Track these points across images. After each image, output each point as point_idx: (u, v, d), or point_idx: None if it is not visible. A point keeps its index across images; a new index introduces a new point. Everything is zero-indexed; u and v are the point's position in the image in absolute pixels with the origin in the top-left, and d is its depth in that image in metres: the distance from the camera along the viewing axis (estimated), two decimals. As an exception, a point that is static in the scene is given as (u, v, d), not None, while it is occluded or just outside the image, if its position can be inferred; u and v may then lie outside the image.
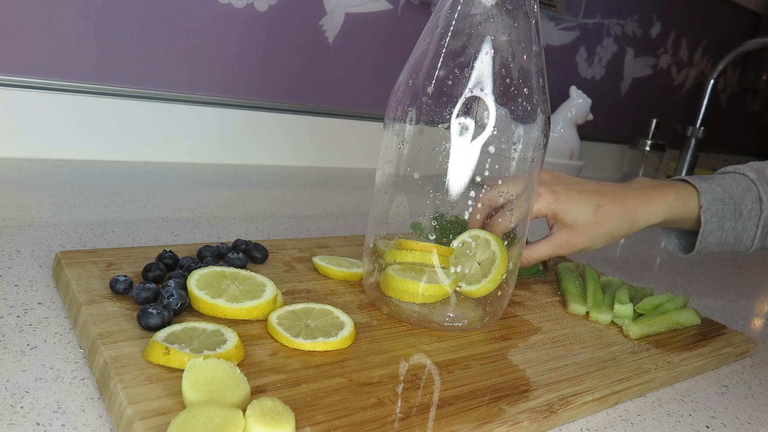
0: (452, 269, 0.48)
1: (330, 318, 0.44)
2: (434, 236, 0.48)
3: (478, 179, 0.45)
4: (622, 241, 0.97)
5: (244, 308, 0.42)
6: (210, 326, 0.39)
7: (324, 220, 0.77)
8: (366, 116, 1.14)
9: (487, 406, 0.37)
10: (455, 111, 0.43)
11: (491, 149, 0.44)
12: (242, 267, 0.51)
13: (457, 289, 0.48)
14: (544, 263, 0.69)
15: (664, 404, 0.45)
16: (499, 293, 0.49)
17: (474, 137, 0.43)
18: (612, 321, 0.54)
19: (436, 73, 0.44)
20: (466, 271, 0.49)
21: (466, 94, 0.43)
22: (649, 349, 0.50)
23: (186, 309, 0.43)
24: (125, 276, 0.43)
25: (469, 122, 0.43)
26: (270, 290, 0.45)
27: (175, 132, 0.93)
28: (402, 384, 0.38)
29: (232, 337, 0.38)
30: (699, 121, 1.59)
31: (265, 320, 0.43)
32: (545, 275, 0.64)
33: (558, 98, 1.25)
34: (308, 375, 0.37)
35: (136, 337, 0.38)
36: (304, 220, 0.76)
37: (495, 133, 0.43)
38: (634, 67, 1.65)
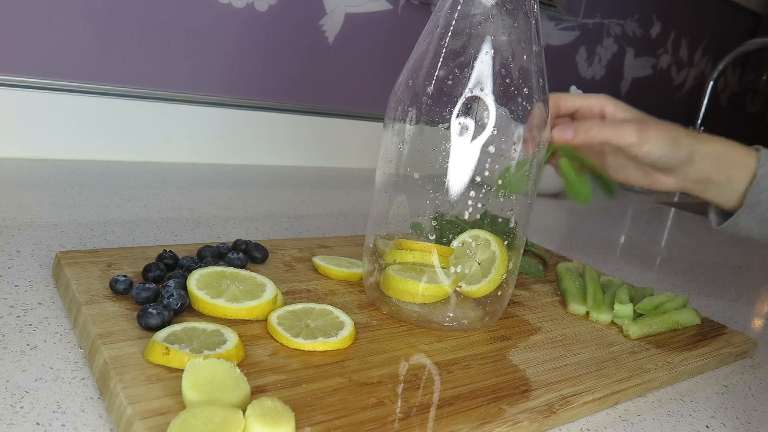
0: (452, 269, 0.48)
1: (330, 318, 0.44)
2: (434, 236, 0.48)
3: (478, 179, 0.45)
4: (623, 240, 0.97)
5: (244, 308, 0.42)
6: (210, 326, 0.39)
7: (324, 220, 0.77)
8: (366, 116, 1.14)
9: (487, 406, 0.37)
10: (455, 111, 0.43)
11: (491, 149, 0.44)
12: (242, 267, 0.51)
13: (457, 289, 0.48)
14: (544, 263, 0.69)
15: (664, 404, 0.45)
16: (499, 293, 0.49)
17: (474, 137, 0.43)
18: (612, 321, 0.54)
19: (436, 73, 0.44)
20: (466, 271, 0.49)
21: (466, 94, 0.43)
22: (649, 349, 0.50)
23: (186, 309, 0.43)
24: (125, 276, 0.43)
25: (469, 122, 0.43)
26: (270, 290, 0.45)
27: (175, 132, 0.93)
28: (402, 384, 0.38)
29: (232, 337, 0.38)
30: (699, 121, 1.59)
31: (265, 320, 0.43)
32: (545, 275, 0.64)
33: (558, 98, 1.24)
34: (308, 375, 0.37)
35: (136, 337, 0.38)
36: (304, 220, 0.76)
37: (495, 133, 0.43)
38: (634, 67, 1.65)
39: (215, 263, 0.50)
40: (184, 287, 0.44)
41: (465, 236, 0.49)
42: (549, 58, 1.43)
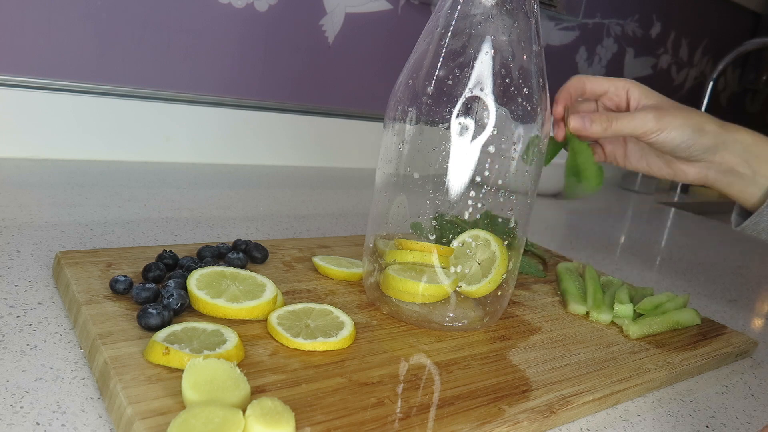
0: (452, 269, 0.48)
1: (330, 318, 0.44)
2: (434, 236, 0.48)
3: (478, 179, 0.45)
4: (623, 240, 0.97)
5: (244, 308, 0.42)
6: (210, 326, 0.39)
7: (324, 220, 0.77)
8: (366, 116, 1.14)
9: (487, 406, 0.37)
10: (455, 111, 0.43)
11: (491, 149, 0.44)
12: (242, 267, 0.51)
13: (457, 289, 0.48)
14: (544, 263, 0.69)
15: (664, 404, 0.45)
16: (499, 293, 0.49)
17: (474, 137, 0.43)
18: (612, 321, 0.54)
19: (436, 73, 0.44)
20: (466, 271, 0.49)
21: (466, 94, 0.43)
22: (649, 349, 0.50)
23: (186, 309, 0.43)
24: (125, 276, 0.43)
25: (469, 122, 0.43)
26: (270, 290, 0.45)
27: (175, 132, 0.93)
28: (402, 384, 0.38)
29: (232, 337, 0.38)
30: (699, 121, 1.59)
31: (265, 320, 0.43)
32: (545, 275, 0.64)
33: (558, 98, 1.24)
34: (308, 375, 0.37)
35: (136, 337, 0.38)
36: (304, 220, 0.76)
37: (495, 133, 0.43)
38: (634, 67, 1.65)
39: (215, 263, 0.50)
40: (184, 287, 0.44)
41: (465, 236, 0.49)
42: (549, 58, 1.43)
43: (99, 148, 0.87)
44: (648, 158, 0.59)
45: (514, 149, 0.45)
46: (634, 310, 0.55)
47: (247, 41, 0.98)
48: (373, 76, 1.14)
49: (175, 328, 0.38)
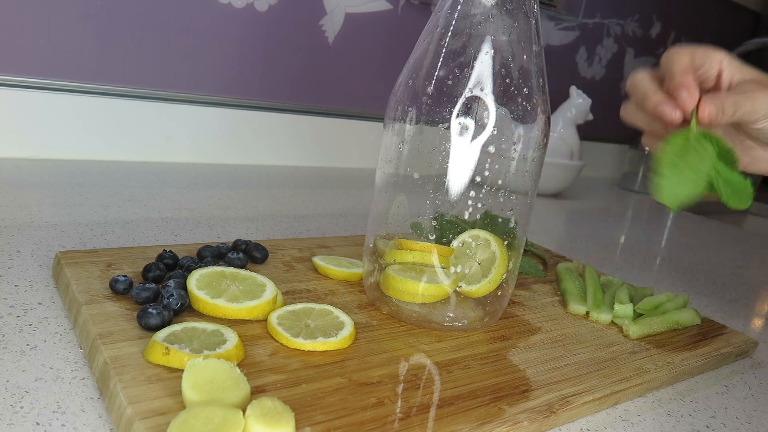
0: (452, 269, 0.48)
1: (330, 318, 0.44)
2: (434, 236, 0.48)
3: (478, 179, 0.45)
4: (623, 240, 0.97)
5: (244, 308, 0.42)
6: (210, 326, 0.39)
7: (324, 220, 0.77)
8: (366, 116, 1.14)
9: (487, 406, 0.37)
10: (455, 111, 0.43)
11: (491, 149, 0.44)
12: (242, 267, 0.51)
13: (457, 289, 0.48)
14: (544, 263, 0.69)
15: (664, 404, 0.45)
16: (499, 293, 0.49)
17: (474, 137, 0.43)
18: (612, 321, 0.54)
19: (436, 73, 0.44)
20: (466, 271, 0.49)
21: (466, 94, 0.43)
22: (649, 349, 0.50)
23: (186, 309, 0.43)
24: (125, 276, 0.43)
25: (469, 122, 0.43)
26: (270, 290, 0.45)
27: (175, 132, 0.93)
28: (402, 384, 0.38)
29: (232, 337, 0.38)
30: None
31: (265, 320, 0.43)
32: (545, 275, 0.64)
33: (558, 98, 1.25)
34: (308, 375, 0.37)
35: (136, 337, 0.38)
36: (304, 220, 0.76)
37: (495, 133, 0.43)
38: (634, 67, 1.65)
39: (215, 263, 0.50)
40: (184, 287, 0.44)
41: (465, 236, 0.49)
42: (549, 58, 1.43)
43: (99, 148, 0.87)
44: (753, 153, 0.50)
45: (514, 149, 0.45)
46: (634, 310, 0.55)
47: (247, 41, 0.98)
48: (373, 76, 1.14)
49: (175, 328, 0.38)
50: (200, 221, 0.68)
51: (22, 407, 0.32)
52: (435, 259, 0.47)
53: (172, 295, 0.41)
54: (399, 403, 0.36)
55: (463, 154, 0.44)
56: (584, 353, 0.47)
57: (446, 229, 0.49)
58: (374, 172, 0.51)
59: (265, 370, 0.37)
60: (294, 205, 0.82)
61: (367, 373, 0.39)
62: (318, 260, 0.54)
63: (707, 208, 1.53)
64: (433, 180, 0.45)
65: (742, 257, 0.97)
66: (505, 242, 0.48)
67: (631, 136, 1.57)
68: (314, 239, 0.63)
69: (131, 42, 0.88)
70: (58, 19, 0.81)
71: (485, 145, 0.43)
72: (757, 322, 0.67)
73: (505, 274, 0.48)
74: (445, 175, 0.44)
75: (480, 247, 0.49)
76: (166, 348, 0.35)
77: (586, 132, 1.37)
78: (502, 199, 0.49)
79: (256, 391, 0.35)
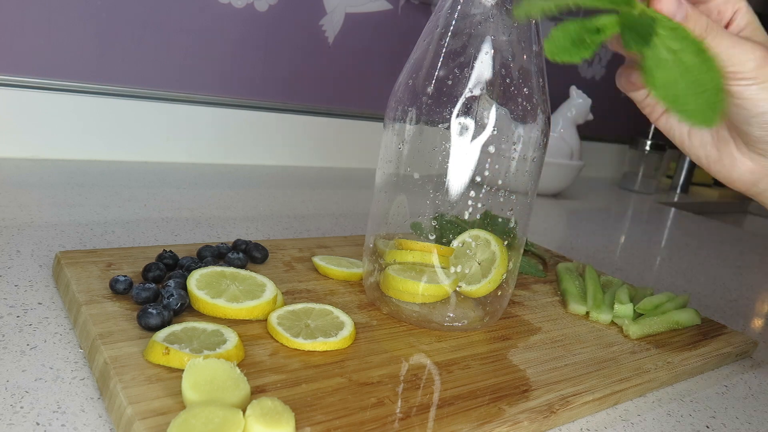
0: (452, 269, 0.48)
1: (330, 318, 0.44)
2: (434, 236, 0.48)
3: (478, 179, 0.45)
4: (623, 240, 0.97)
5: (244, 308, 0.42)
6: (210, 326, 0.39)
7: (324, 220, 0.77)
8: (366, 116, 1.14)
9: (487, 406, 0.37)
10: (455, 111, 0.43)
11: (491, 149, 0.44)
12: (242, 267, 0.51)
13: (457, 289, 0.48)
14: (544, 263, 0.69)
15: (664, 404, 0.45)
16: (499, 293, 0.49)
17: (474, 137, 0.43)
18: (612, 321, 0.54)
19: (436, 73, 0.44)
20: (466, 271, 0.49)
21: (466, 94, 0.43)
22: (649, 349, 0.50)
23: (186, 309, 0.43)
24: (125, 276, 0.43)
25: (469, 122, 0.43)
26: (270, 290, 0.45)
27: (175, 132, 0.93)
28: (402, 384, 0.38)
29: (232, 337, 0.38)
30: (699, 121, 1.59)
31: (265, 320, 0.43)
32: (545, 275, 0.64)
33: (558, 98, 1.25)
34: (308, 375, 0.37)
35: (136, 337, 0.38)
36: (304, 220, 0.76)
37: (495, 133, 0.43)
38: (634, 67, 1.64)
39: (215, 263, 0.50)
40: (184, 287, 0.44)
41: (465, 236, 0.49)
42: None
43: (99, 148, 0.87)
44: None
45: (514, 149, 0.45)
46: (634, 310, 0.55)
47: (247, 41, 0.98)
48: (373, 76, 1.14)
49: (175, 328, 0.38)
50: (200, 221, 0.68)
51: (22, 407, 0.32)
52: (435, 259, 0.47)
53: (172, 295, 0.41)
54: (399, 403, 0.36)
55: (463, 154, 0.44)
56: (584, 353, 0.47)
57: (446, 229, 0.49)
58: (374, 172, 0.51)
59: (265, 370, 0.37)
60: (294, 205, 0.82)
61: (367, 373, 0.39)
62: (318, 260, 0.54)
63: (707, 208, 1.53)
64: (433, 180, 0.45)
65: (742, 257, 0.97)
66: (505, 242, 0.48)
67: (630, 136, 1.57)
68: (314, 239, 0.63)
69: (131, 42, 0.88)
70: (58, 19, 0.81)
71: (485, 145, 0.43)
72: (757, 322, 0.67)
73: (505, 274, 0.48)
74: (445, 175, 0.44)
75: (480, 247, 0.49)
76: (166, 348, 0.35)
77: (586, 132, 1.37)
78: (502, 199, 0.49)
79: (256, 391, 0.35)
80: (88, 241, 0.57)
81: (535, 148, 0.46)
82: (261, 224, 0.71)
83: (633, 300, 0.58)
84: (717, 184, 1.79)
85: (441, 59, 0.44)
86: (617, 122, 1.65)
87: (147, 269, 0.46)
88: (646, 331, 0.52)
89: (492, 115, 0.43)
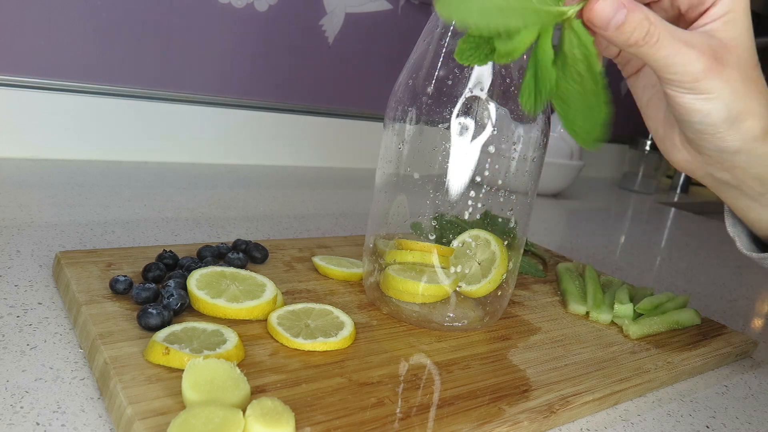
0: (452, 269, 0.48)
1: (330, 318, 0.44)
2: (434, 236, 0.48)
3: (478, 179, 0.45)
4: (623, 240, 0.97)
5: (244, 308, 0.42)
6: (210, 326, 0.39)
7: (324, 220, 0.77)
8: (366, 116, 1.14)
9: (487, 406, 0.37)
10: (455, 111, 0.43)
11: (491, 149, 0.44)
12: (242, 267, 0.51)
13: (457, 289, 0.48)
14: (544, 263, 0.69)
15: (664, 404, 0.45)
16: (499, 293, 0.49)
17: (474, 137, 0.43)
18: (612, 321, 0.54)
19: (436, 73, 0.44)
20: (466, 271, 0.49)
21: (466, 93, 0.43)
22: (649, 349, 0.50)
23: (186, 309, 0.43)
24: (125, 276, 0.43)
25: (469, 122, 0.43)
26: (270, 290, 0.45)
27: (175, 132, 0.93)
28: (402, 384, 0.38)
29: (232, 337, 0.38)
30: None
31: (265, 320, 0.43)
32: (545, 275, 0.64)
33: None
34: (308, 375, 0.37)
35: (136, 337, 0.38)
36: (304, 220, 0.76)
37: (495, 133, 0.43)
38: (634, 67, 1.64)
39: (215, 263, 0.50)
40: (184, 287, 0.44)
41: (465, 236, 0.49)
42: (549, 58, 1.42)
43: (99, 148, 0.87)
44: (655, 97, 0.43)
45: (514, 149, 0.45)
46: (634, 310, 0.54)
47: (247, 41, 0.98)
48: (373, 76, 1.14)
49: (175, 328, 0.38)
50: (200, 221, 0.68)
51: (22, 407, 0.32)
52: (435, 259, 0.47)
53: (172, 295, 0.41)
54: (399, 403, 0.36)
55: (463, 154, 0.44)
56: (584, 353, 0.47)
57: (446, 229, 0.49)
58: (374, 172, 0.51)
59: (265, 370, 0.37)
60: (294, 205, 0.82)
61: (367, 373, 0.39)
62: (318, 260, 0.54)
63: (707, 208, 1.53)
64: (433, 180, 0.45)
65: (742, 257, 0.97)
66: (505, 242, 0.48)
67: (630, 136, 1.57)
68: (314, 239, 0.63)
69: (131, 42, 0.88)
70: (58, 19, 0.81)
71: (485, 145, 0.43)
72: (757, 322, 0.67)
73: (505, 274, 0.48)
74: (445, 175, 0.44)
75: (480, 247, 0.49)
76: (166, 348, 0.35)
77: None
78: (502, 199, 0.49)
79: (256, 391, 0.35)
80: (88, 241, 0.57)
81: (535, 148, 0.46)
82: (261, 224, 0.71)
83: (633, 300, 0.58)
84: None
85: (441, 59, 0.44)
86: (617, 122, 1.65)
87: (147, 269, 0.46)
88: (646, 331, 0.52)
89: (492, 115, 0.43)
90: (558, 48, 0.35)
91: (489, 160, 0.44)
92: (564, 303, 0.57)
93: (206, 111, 0.95)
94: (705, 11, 0.37)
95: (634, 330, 0.52)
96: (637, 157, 1.51)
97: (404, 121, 0.46)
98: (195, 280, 0.44)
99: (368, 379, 0.38)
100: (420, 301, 0.47)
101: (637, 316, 0.55)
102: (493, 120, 0.43)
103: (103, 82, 0.87)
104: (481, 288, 0.48)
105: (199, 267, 0.47)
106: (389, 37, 1.14)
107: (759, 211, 0.41)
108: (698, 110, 0.36)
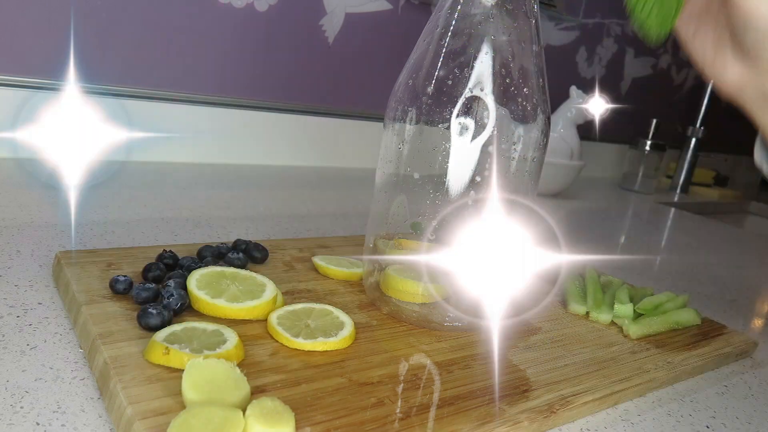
0: (452, 269, 0.48)
1: (330, 318, 0.44)
2: (434, 236, 0.48)
3: (478, 179, 0.45)
4: (623, 240, 0.97)
5: (244, 308, 0.42)
6: (210, 326, 0.39)
7: (324, 220, 0.77)
8: (366, 116, 1.14)
9: (487, 406, 0.37)
10: (455, 111, 0.43)
11: (491, 149, 0.44)
12: (242, 267, 0.51)
13: (457, 289, 0.48)
14: (544, 263, 0.69)
15: (664, 404, 0.45)
16: (499, 293, 0.49)
17: (474, 137, 0.43)
18: (612, 321, 0.54)
19: (436, 73, 0.44)
20: (466, 271, 0.49)
21: (466, 94, 0.43)
22: (649, 349, 0.50)
23: (186, 309, 0.43)
24: (125, 276, 0.43)
25: (469, 122, 0.43)
26: (270, 290, 0.45)
27: (175, 132, 0.93)
28: (402, 384, 0.38)
29: (232, 337, 0.38)
30: (699, 121, 1.59)
31: (265, 320, 0.43)
32: (545, 275, 0.64)
33: (558, 98, 1.25)
34: (308, 375, 0.37)
35: (136, 337, 0.38)
36: (304, 220, 0.76)
37: (495, 133, 0.43)
38: (634, 67, 1.65)
39: (215, 263, 0.50)
40: (184, 287, 0.44)
41: (465, 236, 0.49)
42: (549, 58, 1.42)
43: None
44: (701, 26, 0.44)
45: (514, 149, 0.45)
46: (634, 310, 0.55)
47: (247, 41, 0.98)
48: (373, 76, 1.14)
49: (175, 328, 0.38)
50: (200, 221, 0.68)
51: (22, 407, 0.32)
52: (435, 259, 0.47)
53: (172, 295, 0.41)
54: (399, 403, 0.36)
55: (463, 154, 0.44)
56: (584, 353, 0.47)
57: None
58: (374, 172, 0.51)
59: (265, 370, 0.37)
60: (294, 205, 0.82)
61: (367, 373, 0.39)
62: (318, 260, 0.54)
63: (707, 208, 1.53)
64: (433, 180, 0.45)
65: (742, 257, 0.97)
66: (505, 242, 0.48)
67: (630, 136, 1.57)
68: (314, 239, 0.63)
69: (131, 42, 0.88)
70: (58, 19, 0.81)
71: (485, 145, 0.43)
72: (757, 322, 0.67)
73: (505, 274, 0.48)
74: (445, 175, 0.44)
75: (480, 247, 0.49)
76: (166, 348, 0.35)
77: (586, 132, 1.37)
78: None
79: (256, 391, 0.35)
80: (88, 241, 0.57)
81: (535, 148, 0.46)
82: (261, 224, 0.71)
83: (633, 300, 0.57)
84: (717, 184, 1.79)
85: (441, 59, 0.44)
86: (617, 122, 1.65)
87: (147, 269, 0.46)
88: (646, 331, 0.52)
89: (492, 115, 0.43)
90: None
91: (489, 160, 0.44)
92: (564, 303, 0.57)
93: (206, 111, 0.95)
94: None
95: (634, 330, 0.52)
96: (637, 157, 1.51)
97: (404, 121, 0.46)
98: (195, 280, 0.44)
99: (368, 379, 0.38)
100: (420, 301, 0.47)
101: (637, 316, 0.55)
102: (493, 120, 0.43)
103: (104, 83, 0.87)
104: (481, 288, 0.48)
105: (199, 267, 0.47)
106: (389, 37, 1.13)
107: None
108: (763, 15, 0.37)
